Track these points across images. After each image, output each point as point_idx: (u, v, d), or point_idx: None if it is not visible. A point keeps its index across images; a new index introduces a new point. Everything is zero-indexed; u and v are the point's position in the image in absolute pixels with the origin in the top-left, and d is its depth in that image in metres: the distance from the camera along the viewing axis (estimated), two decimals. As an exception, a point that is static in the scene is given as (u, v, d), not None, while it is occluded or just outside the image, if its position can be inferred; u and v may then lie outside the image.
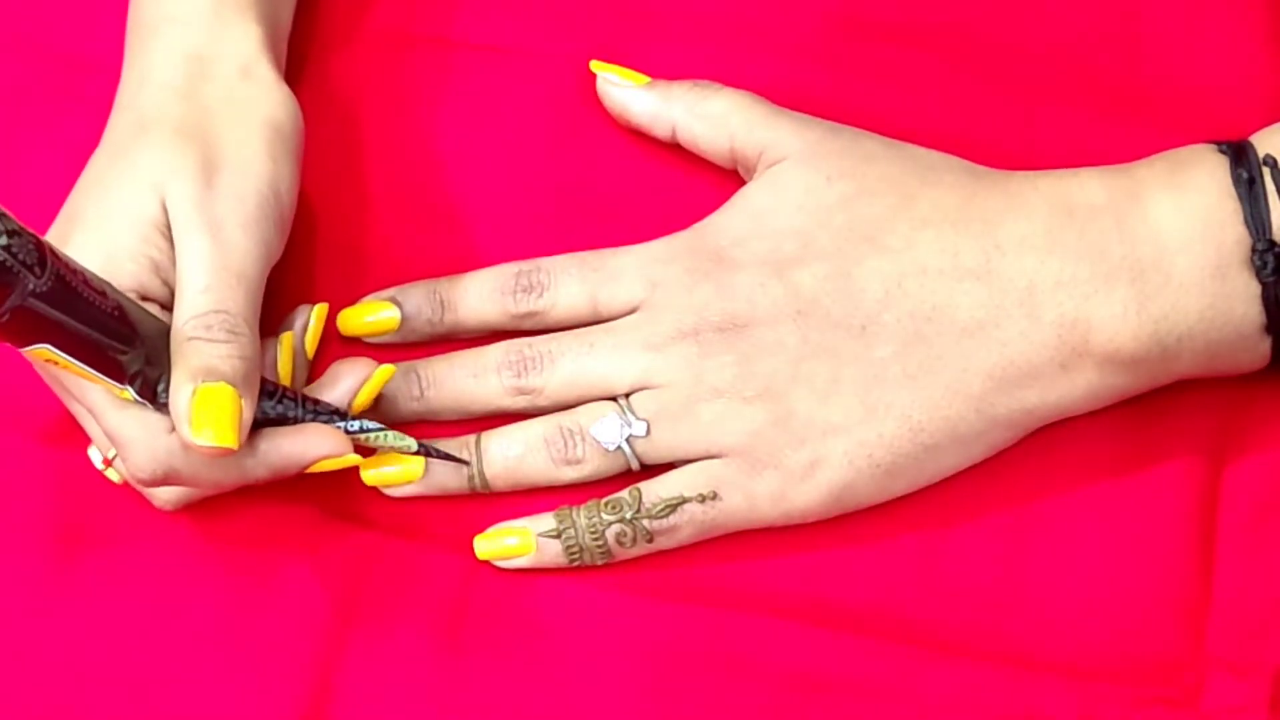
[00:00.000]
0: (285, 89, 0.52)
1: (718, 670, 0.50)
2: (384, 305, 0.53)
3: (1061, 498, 0.51)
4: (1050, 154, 0.52)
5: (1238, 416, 0.52)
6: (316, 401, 0.50)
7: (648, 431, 0.51)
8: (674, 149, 0.54)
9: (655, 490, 0.50)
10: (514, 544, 0.51)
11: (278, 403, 0.49)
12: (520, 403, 0.52)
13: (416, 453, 0.51)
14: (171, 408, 0.46)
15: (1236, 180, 0.48)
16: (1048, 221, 0.49)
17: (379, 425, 0.50)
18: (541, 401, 0.52)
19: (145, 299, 0.49)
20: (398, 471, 0.52)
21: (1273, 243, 0.47)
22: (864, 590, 0.51)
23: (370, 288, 0.54)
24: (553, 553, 0.51)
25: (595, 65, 0.55)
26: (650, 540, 0.51)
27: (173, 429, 0.47)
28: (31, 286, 0.41)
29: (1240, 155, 0.48)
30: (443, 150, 0.56)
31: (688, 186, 0.54)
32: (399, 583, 0.51)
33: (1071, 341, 0.48)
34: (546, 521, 0.51)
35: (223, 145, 0.50)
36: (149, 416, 0.47)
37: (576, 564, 0.51)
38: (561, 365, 0.52)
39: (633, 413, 0.51)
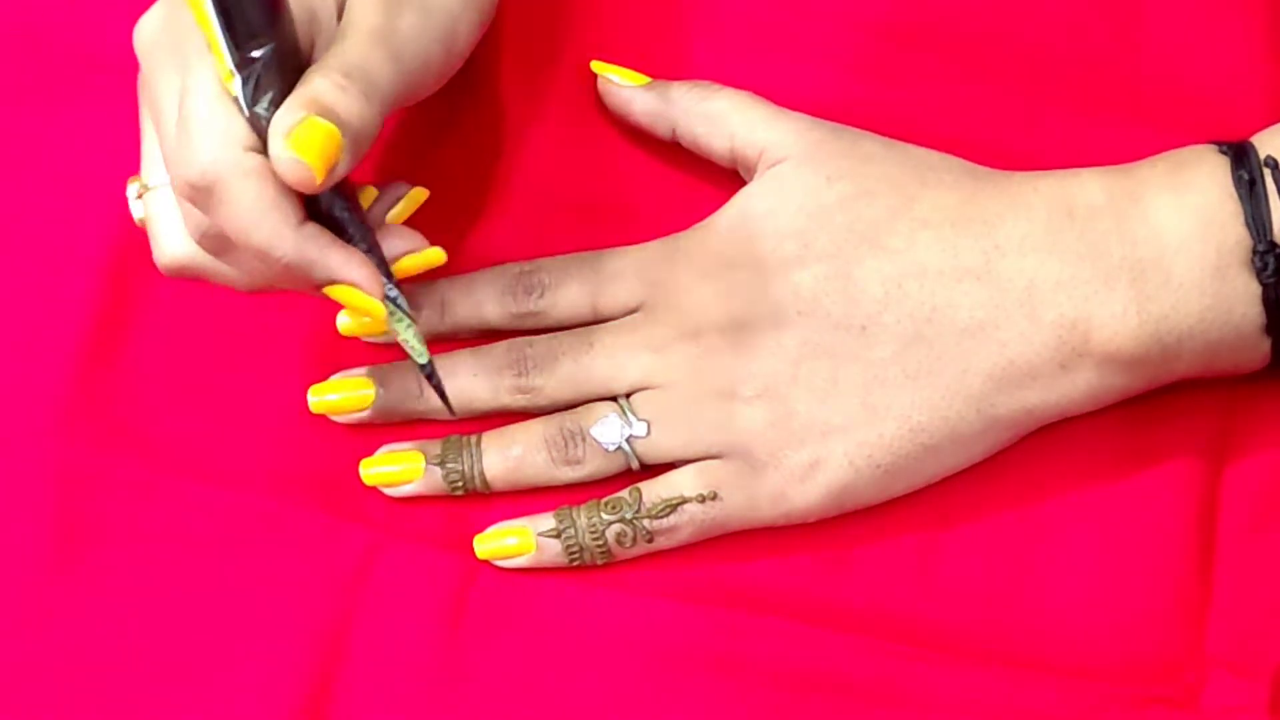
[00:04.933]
0: None
1: (718, 670, 0.50)
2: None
3: (1061, 498, 0.51)
4: (1050, 154, 0.52)
5: (1238, 416, 0.52)
6: (377, 243, 0.48)
7: (648, 432, 0.51)
8: (674, 149, 0.54)
9: (655, 490, 0.50)
10: (514, 544, 0.51)
11: (346, 210, 0.47)
12: (520, 402, 0.52)
13: (422, 368, 0.49)
14: (274, 123, 0.44)
15: (1237, 181, 0.48)
16: (1048, 222, 0.49)
17: (409, 311, 0.48)
18: (541, 401, 0.52)
19: None
20: (398, 471, 0.52)
21: (1273, 244, 0.47)
22: (864, 590, 0.51)
23: (370, 287, 0.54)
24: (553, 553, 0.51)
25: (595, 65, 0.55)
26: (650, 540, 0.51)
27: (248, 146, 0.45)
28: None
29: (1241, 156, 0.48)
30: (442, 150, 0.56)
31: (688, 186, 0.54)
32: (399, 583, 0.51)
33: (1071, 342, 0.48)
34: (546, 521, 0.51)
35: None
36: (234, 117, 0.45)
37: (576, 564, 0.51)
38: (562, 365, 0.52)
39: (633, 413, 0.51)
